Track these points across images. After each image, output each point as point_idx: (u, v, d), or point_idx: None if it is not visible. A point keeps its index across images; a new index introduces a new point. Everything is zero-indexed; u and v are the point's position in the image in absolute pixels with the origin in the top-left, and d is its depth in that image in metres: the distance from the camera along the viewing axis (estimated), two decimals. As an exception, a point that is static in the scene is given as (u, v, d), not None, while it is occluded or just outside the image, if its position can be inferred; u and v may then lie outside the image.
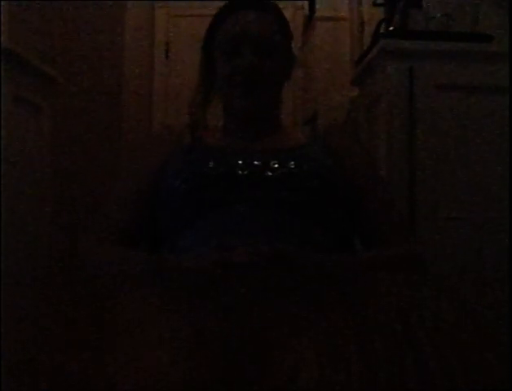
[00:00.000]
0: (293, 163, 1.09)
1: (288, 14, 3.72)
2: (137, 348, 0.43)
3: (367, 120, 2.28)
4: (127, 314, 0.58)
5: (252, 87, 1.12)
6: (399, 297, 0.70)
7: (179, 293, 0.71)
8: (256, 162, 1.10)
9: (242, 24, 1.14)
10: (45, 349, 0.43)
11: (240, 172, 1.08)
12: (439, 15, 2.12)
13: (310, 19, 3.53)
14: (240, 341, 0.44)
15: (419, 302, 0.66)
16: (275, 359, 0.39)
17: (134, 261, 1.04)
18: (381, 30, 2.35)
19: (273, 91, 1.17)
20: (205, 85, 1.22)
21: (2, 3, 2.27)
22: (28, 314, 0.58)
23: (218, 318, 0.53)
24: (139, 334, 0.47)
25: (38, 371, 0.37)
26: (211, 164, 1.09)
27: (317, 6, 3.39)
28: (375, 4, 2.54)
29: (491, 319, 0.54)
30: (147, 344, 0.44)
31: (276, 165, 1.09)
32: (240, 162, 1.10)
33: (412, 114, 1.91)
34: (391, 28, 2.21)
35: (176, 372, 0.36)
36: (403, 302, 0.66)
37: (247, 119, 1.17)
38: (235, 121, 1.19)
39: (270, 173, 1.08)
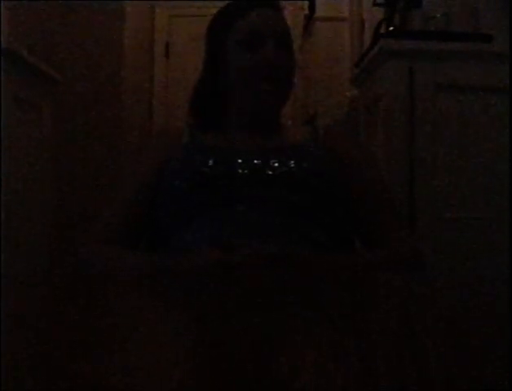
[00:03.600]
0: (293, 162, 1.09)
1: (288, 14, 3.73)
2: (136, 348, 0.43)
3: (367, 120, 2.28)
4: (126, 314, 0.58)
5: (274, 80, 1.12)
6: (400, 297, 0.70)
7: (179, 293, 0.71)
8: (256, 161, 1.09)
9: (265, 20, 1.15)
10: (44, 349, 0.43)
11: (240, 171, 1.08)
12: (438, 15, 2.12)
13: (310, 19, 3.54)
14: (239, 341, 0.44)
15: (419, 302, 0.66)
16: (275, 359, 0.39)
17: (134, 261, 1.04)
18: (381, 30, 2.35)
19: (290, 87, 1.18)
20: (208, 83, 1.22)
21: (2, 3, 2.27)
22: (27, 314, 0.58)
23: (217, 319, 0.53)
24: (139, 334, 0.47)
25: (38, 371, 0.37)
26: (211, 163, 1.09)
27: (317, 6, 3.39)
28: (375, 4, 2.54)
29: (490, 319, 0.54)
30: (146, 344, 0.44)
31: (276, 164, 1.09)
32: (240, 161, 1.09)
33: (412, 114, 1.91)
34: (391, 28, 2.22)
35: (175, 372, 0.36)
36: (404, 302, 0.66)
37: (261, 114, 1.16)
38: (241, 118, 1.18)
39: (270, 172, 1.08)
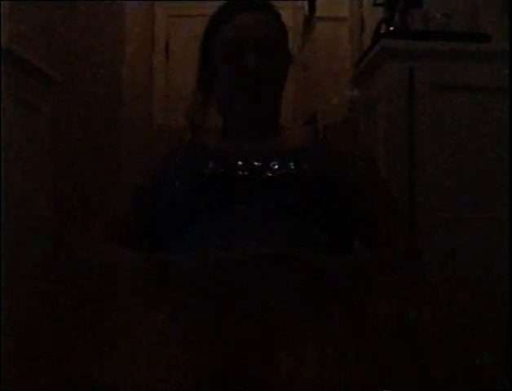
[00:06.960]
0: (292, 164, 1.09)
1: (288, 14, 3.73)
2: (136, 348, 0.43)
3: (367, 120, 2.28)
4: (126, 313, 0.58)
5: (257, 89, 1.12)
6: (400, 297, 0.70)
7: (179, 293, 0.71)
8: (256, 163, 1.10)
9: (244, 26, 1.14)
10: (44, 349, 0.43)
11: (239, 173, 1.09)
12: (439, 15, 2.12)
13: (310, 19, 3.54)
14: (239, 341, 0.44)
15: (419, 302, 0.66)
16: (275, 359, 0.39)
17: (134, 260, 1.04)
18: (382, 30, 2.35)
19: (276, 92, 1.18)
20: (203, 86, 1.22)
21: (2, 3, 2.27)
22: (27, 313, 0.58)
23: (217, 319, 0.53)
24: (139, 334, 0.47)
25: (38, 370, 0.37)
26: (211, 164, 1.09)
27: (317, 6, 3.39)
28: (375, 4, 2.54)
29: (490, 319, 0.54)
30: (146, 343, 0.44)
31: (276, 166, 1.09)
32: (239, 163, 1.10)
33: (412, 114, 1.91)
34: (391, 28, 2.21)
35: (175, 372, 0.36)
36: (403, 302, 0.66)
37: (249, 121, 1.17)
38: (235, 122, 1.19)
39: (270, 174, 1.08)
